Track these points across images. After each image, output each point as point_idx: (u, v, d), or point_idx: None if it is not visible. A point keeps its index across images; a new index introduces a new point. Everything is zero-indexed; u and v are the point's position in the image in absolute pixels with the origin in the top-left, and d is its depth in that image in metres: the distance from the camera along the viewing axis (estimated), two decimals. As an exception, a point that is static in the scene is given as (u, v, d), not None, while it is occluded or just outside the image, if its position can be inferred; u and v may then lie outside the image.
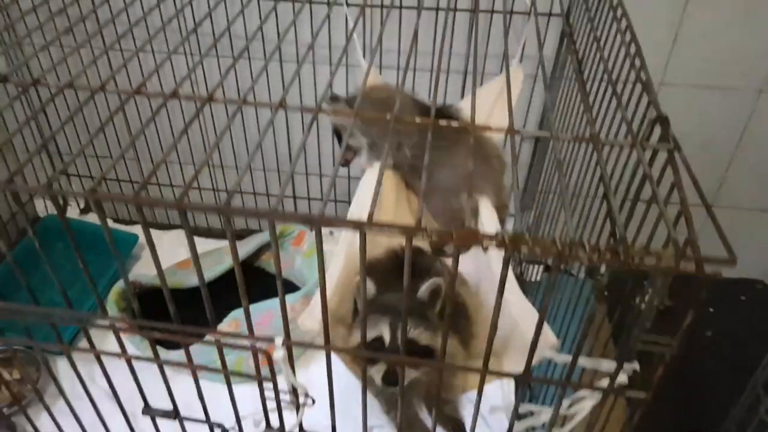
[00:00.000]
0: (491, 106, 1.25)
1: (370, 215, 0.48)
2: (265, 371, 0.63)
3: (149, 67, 1.45)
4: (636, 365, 0.62)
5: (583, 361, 0.72)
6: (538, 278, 1.63)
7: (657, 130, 0.62)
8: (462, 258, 0.76)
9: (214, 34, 1.41)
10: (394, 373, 0.82)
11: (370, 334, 0.87)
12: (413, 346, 0.88)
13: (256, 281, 1.34)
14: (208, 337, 0.64)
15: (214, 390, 0.75)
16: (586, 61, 0.96)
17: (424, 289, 0.94)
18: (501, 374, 0.60)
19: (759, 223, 1.62)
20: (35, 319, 0.65)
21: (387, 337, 0.88)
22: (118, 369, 0.70)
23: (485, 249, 0.46)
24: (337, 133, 1.32)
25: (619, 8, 0.83)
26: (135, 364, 0.68)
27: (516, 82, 1.18)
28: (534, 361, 0.84)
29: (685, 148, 1.55)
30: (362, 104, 0.60)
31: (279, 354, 0.60)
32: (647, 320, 0.51)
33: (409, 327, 0.88)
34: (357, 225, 0.47)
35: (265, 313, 1.34)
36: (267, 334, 1.35)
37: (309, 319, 0.81)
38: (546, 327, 0.91)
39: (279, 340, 0.60)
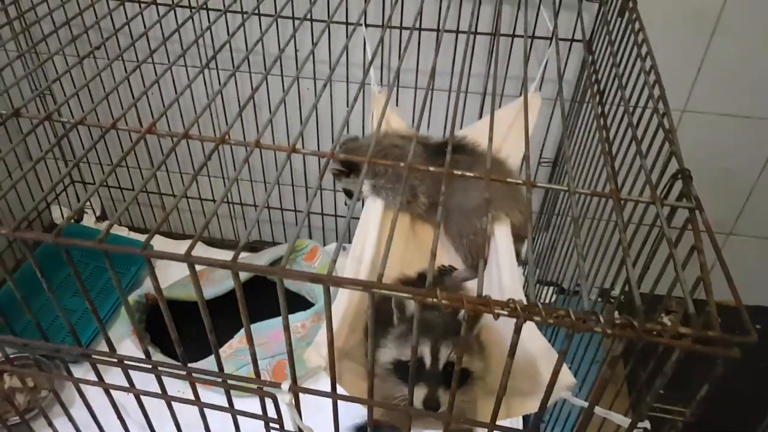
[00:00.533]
0: (507, 129, 1.24)
1: (380, 276, 0.47)
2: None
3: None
4: (647, 424, 0.61)
5: (599, 411, 0.71)
6: (553, 299, 1.62)
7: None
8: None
9: (233, 60, 1.42)
10: (435, 398, 0.80)
11: (409, 355, 0.83)
12: (451, 369, 0.83)
13: (268, 295, 1.34)
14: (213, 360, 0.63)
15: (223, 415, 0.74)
16: (608, 95, 0.95)
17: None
18: (510, 429, 0.59)
19: (779, 252, 1.60)
20: (44, 350, 0.65)
21: (427, 360, 0.84)
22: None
23: (496, 317, 0.45)
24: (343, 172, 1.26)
25: (644, 45, 0.81)
26: (144, 381, 0.66)
27: (533, 109, 1.16)
28: (549, 402, 0.83)
29: (706, 176, 1.54)
30: (374, 151, 0.59)
31: (285, 399, 0.60)
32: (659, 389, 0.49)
33: (449, 348, 0.84)
34: (366, 286, 0.47)
35: (278, 329, 1.34)
36: (277, 353, 1.35)
37: (315, 356, 0.80)
38: (564, 368, 0.89)
39: (286, 386, 0.59)
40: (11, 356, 1.24)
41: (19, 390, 1.26)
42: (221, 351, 1.33)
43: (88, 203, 1.80)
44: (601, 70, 1.02)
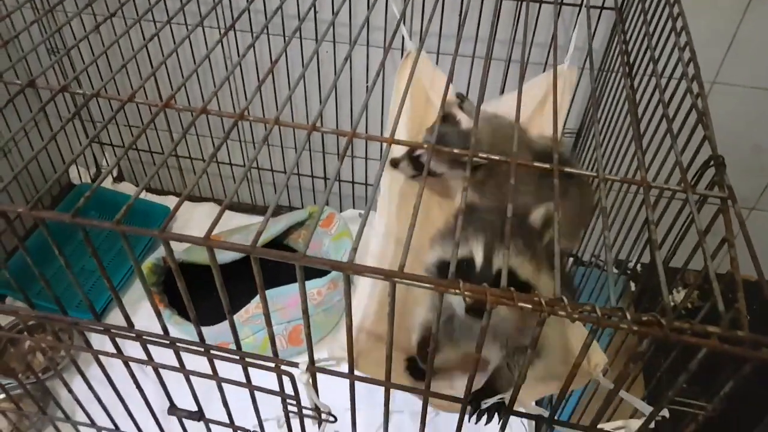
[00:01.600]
0: (538, 104, 1.20)
1: (402, 266, 0.46)
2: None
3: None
4: (666, 412, 0.60)
5: (622, 394, 0.71)
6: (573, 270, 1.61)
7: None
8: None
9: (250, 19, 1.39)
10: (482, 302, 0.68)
11: (460, 252, 0.73)
12: (510, 278, 0.73)
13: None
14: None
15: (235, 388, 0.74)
16: (637, 68, 0.91)
17: (537, 215, 0.79)
18: (526, 415, 0.59)
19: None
20: (62, 323, 0.66)
21: (478, 260, 0.73)
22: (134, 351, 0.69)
23: (521, 309, 0.44)
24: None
25: (680, 19, 0.78)
26: (161, 354, 0.67)
27: (567, 84, 1.13)
28: (580, 384, 0.82)
29: (735, 150, 1.50)
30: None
31: (303, 378, 0.60)
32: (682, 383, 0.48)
33: (511, 253, 0.71)
34: (387, 275, 0.46)
35: (294, 295, 1.35)
36: (294, 318, 1.36)
37: (338, 350, 0.80)
38: (594, 345, 0.87)
39: (303, 366, 0.60)
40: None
41: (38, 349, 1.28)
42: (238, 315, 1.35)
43: (105, 164, 1.80)
44: (630, 42, 0.98)
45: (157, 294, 1.40)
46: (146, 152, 1.73)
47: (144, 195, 1.74)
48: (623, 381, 0.51)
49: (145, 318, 0.68)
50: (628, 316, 0.43)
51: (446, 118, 1.15)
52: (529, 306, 0.43)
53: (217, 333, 1.29)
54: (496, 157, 0.57)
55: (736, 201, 0.52)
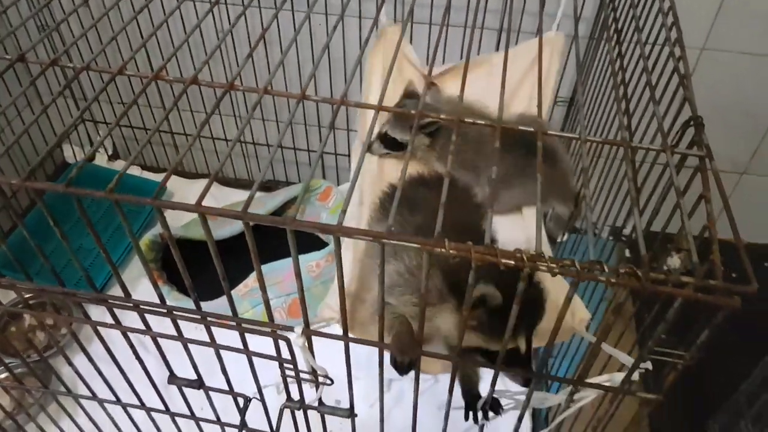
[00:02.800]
0: (526, 71, 1.21)
1: (389, 227, 0.48)
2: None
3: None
4: (649, 365, 0.63)
5: (606, 348, 0.73)
6: (565, 238, 1.63)
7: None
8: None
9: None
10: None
11: None
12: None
13: (283, 234, 1.35)
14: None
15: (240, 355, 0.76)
16: (625, 34, 0.92)
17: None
18: (515, 371, 0.61)
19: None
20: (60, 295, 0.67)
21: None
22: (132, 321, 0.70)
23: (504, 267, 0.46)
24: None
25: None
26: (160, 326, 0.68)
27: (555, 50, 1.13)
28: (565, 337, 0.84)
29: (726, 115, 1.51)
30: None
31: (299, 342, 0.62)
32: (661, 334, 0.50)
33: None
34: (376, 237, 0.47)
35: (291, 268, 1.37)
36: (293, 291, 1.38)
37: (327, 311, 0.82)
38: (578, 301, 0.90)
39: (299, 329, 0.61)
40: (28, 296, 1.28)
41: (38, 328, 1.31)
42: (237, 290, 1.37)
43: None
44: (620, 8, 0.99)
45: (156, 270, 1.42)
46: (141, 129, 1.73)
47: (140, 173, 1.75)
48: (606, 333, 0.53)
49: (144, 295, 0.69)
50: (606, 269, 0.44)
51: (410, 95, 1.17)
52: (512, 262, 0.45)
53: (215, 307, 1.31)
54: (482, 122, 0.58)
55: (713, 159, 0.53)
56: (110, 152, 1.81)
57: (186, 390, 0.78)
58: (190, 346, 0.70)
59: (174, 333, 0.68)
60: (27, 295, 1.11)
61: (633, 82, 0.85)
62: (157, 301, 0.64)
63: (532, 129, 0.56)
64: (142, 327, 0.67)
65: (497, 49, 1.38)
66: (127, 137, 1.78)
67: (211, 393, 0.78)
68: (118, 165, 1.79)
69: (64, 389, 0.89)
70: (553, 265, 0.45)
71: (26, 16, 0.72)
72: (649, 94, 0.66)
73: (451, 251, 0.46)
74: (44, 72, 0.62)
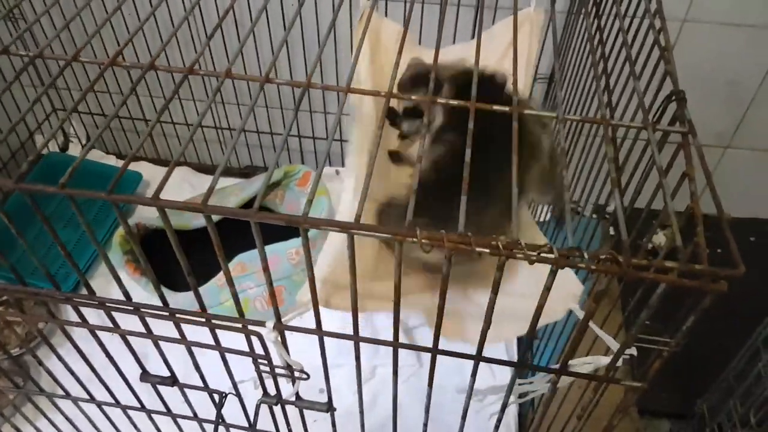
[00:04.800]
0: (506, 48, 1.17)
1: (358, 216, 0.45)
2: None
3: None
4: (634, 351, 0.61)
5: (593, 326, 0.71)
6: (547, 218, 1.62)
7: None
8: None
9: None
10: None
11: None
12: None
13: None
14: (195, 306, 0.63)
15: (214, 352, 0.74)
16: (604, 6, 0.89)
17: None
18: (496, 361, 0.59)
19: (777, 165, 1.58)
20: (23, 294, 0.64)
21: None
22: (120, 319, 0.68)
23: (479, 255, 0.43)
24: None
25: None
26: (134, 322, 0.66)
27: (535, 27, 1.10)
28: (559, 316, 0.81)
29: (710, 88, 1.49)
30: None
31: (271, 337, 0.59)
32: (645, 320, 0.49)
33: None
34: (344, 227, 0.45)
35: (272, 257, 1.34)
36: (277, 277, 1.35)
37: (306, 294, 0.79)
38: (570, 275, 0.86)
39: (270, 324, 0.59)
40: None
41: (7, 327, 1.27)
42: (215, 280, 1.34)
43: (72, 132, 1.76)
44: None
45: (132, 262, 1.38)
46: (125, 119, 1.68)
47: (115, 162, 1.71)
48: (591, 314, 0.50)
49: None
50: (585, 255, 0.42)
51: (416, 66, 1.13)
52: (487, 250, 0.43)
53: (192, 299, 1.29)
54: (455, 102, 0.55)
55: (695, 135, 0.51)
56: (84, 142, 1.76)
57: (162, 387, 0.75)
58: (163, 342, 0.67)
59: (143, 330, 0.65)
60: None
61: (613, 57, 0.82)
62: (137, 295, 0.62)
63: (507, 109, 0.54)
64: (110, 325, 0.65)
65: (474, 24, 1.35)
66: (100, 125, 1.73)
67: (187, 390, 0.75)
68: (93, 155, 1.75)
69: (37, 389, 0.86)
70: (531, 253, 0.43)
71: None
72: (629, 61, 0.64)
73: (423, 240, 0.44)
74: (23, 71, 0.58)
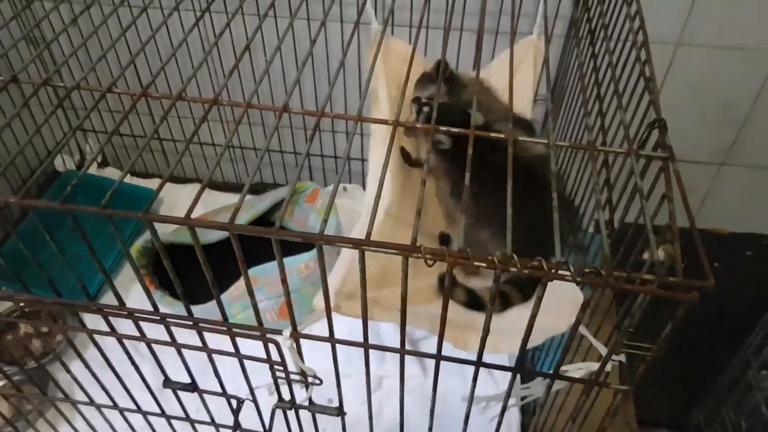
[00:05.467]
0: (517, 72, 1.23)
1: (368, 234, 0.50)
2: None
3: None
4: (622, 357, 0.66)
5: (583, 331, 0.76)
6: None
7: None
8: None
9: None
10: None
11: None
12: None
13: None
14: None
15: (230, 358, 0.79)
16: (598, 35, 0.95)
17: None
18: (495, 366, 0.64)
19: (768, 181, 1.63)
20: (56, 305, 0.70)
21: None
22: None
23: (478, 269, 0.49)
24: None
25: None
26: (155, 332, 0.71)
27: (539, 56, 1.16)
28: (563, 327, 0.86)
29: (704, 108, 1.54)
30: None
31: (287, 344, 0.64)
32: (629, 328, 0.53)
33: None
34: (356, 244, 0.50)
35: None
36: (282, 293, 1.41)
37: (322, 300, 0.84)
38: (577, 291, 0.90)
39: (287, 332, 0.64)
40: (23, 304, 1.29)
41: (34, 336, 1.32)
42: (228, 293, 1.40)
43: (89, 150, 1.82)
44: (592, 9, 1.02)
45: (148, 275, 1.44)
46: (129, 137, 1.75)
47: (129, 179, 1.77)
48: (577, 325, 0.55)
49: (137, 300, 0.72)
50: (572, 269, 0.47)
51: (450, 80, 1.18)
52: (484, 264, 0.48)
53: (207, 311, 1.34)
54: (455, 130, 0.60)
55: (675, 159, 0.56)
56: (100, 159, 1.83)
57: (180, 393, 0.80)
58: (183, 350, 0.72)
59: (167, 338, 0.70)
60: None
61: (604, 85, 0.88)
62: (150, 306, 0.67)
63: (502, 136, 0.59)
64: (137, 333, 0.70)
65: (476, 50, 1.40)
66: (116, 144, 1.80)
67: (205, 395, 0.80)
68: (108, 172, 1.81)
69: (62, 395, 0.91)
70: (522, 267, 0.48)
71: (16, 35, 0.74)
72: (615, 89, 0.69)
73: (426, 256, 0.49)
74: (35, 93, 0.64)
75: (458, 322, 0.92)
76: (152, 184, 1.73)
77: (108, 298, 1.48)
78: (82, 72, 0.66)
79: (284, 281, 0.58)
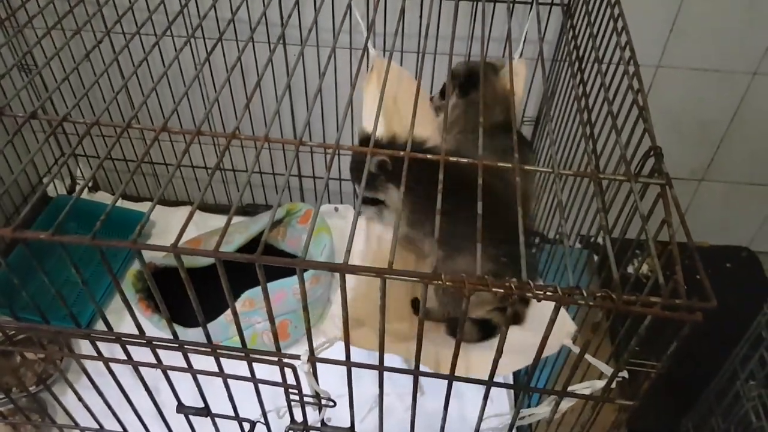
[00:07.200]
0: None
1: (391, 263, 0.53)
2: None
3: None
4: (626, 373, 0.69)
5: (589, 358, 0.79)
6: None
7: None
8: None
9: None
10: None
11: None
12: None
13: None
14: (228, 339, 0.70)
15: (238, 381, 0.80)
16: (586, 62, 0.99)
17: None
18: (504, 385, 0.67)
19: (747, 196, 1.70)
20: (47, 333, 0.71)
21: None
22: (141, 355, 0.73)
23: (495, 295, 0.51)
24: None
25: (620, 19, 0.86)
26: (164, 358, 0.72)
27: (518, 79, 1.20)
28: (554, 350, 0.90)
29: (683, 128, 1.60)
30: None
31: (304, 369, 0.66)
32: (634, 347, 0.57)
33: None
34: (379, 272, 0.53)
35: (278, 292, 1.41)
36: (279, 313, 1.42)
37: (331, 327, 0.86)
38: (565, 315, 0.96)
39: (304, 357, 0.66)
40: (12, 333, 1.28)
41: (31, 363, 1.32)
42: (224, 316, 1.41)
43: (80, 174, 1.82)
44: (580, 36, 1.06)
45: (144, 300, 1.44)
46: (121, 161, 1.76)
47: (121, 202, 1.77)
48: (587, 346, 0.59)
49: (133, 324, 0.72)
50: (585, 294, 0.50)
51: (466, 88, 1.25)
52: (502, 290, 0.51)
53: (202, 334, 1.35)
54: (428, 156, 0.64)
55: (672, 186, 0.60)
56: (90, 183, 1.83)
57: (181, 417, 0.81)
58: (175, 373, 0.73)
59: (184, 365, 0.72)
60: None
61: (596, 109, 0.91)
62: (152, 331, 0.68)
63: (509, 165, 0.62)
64: (153, 360, 0.71)
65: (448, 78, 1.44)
66: (107, 169, 1.80)
67: (216, 419, 0.82)
68: (100, 196, 1.81)
69: (63, 423, 0.92)
70: (539, 292, 0.51)
71: (8, 61, 0.76)
72: (612, 123, 0.73)
73: (447, 283, 0.52)
74: (25, 123, 0.65)
75: (434, 342, 0.95)
76: (144, 207, 1.73)
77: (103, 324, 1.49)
78: (74, 98, 0.67)
79: (305, 308, 0.60)
